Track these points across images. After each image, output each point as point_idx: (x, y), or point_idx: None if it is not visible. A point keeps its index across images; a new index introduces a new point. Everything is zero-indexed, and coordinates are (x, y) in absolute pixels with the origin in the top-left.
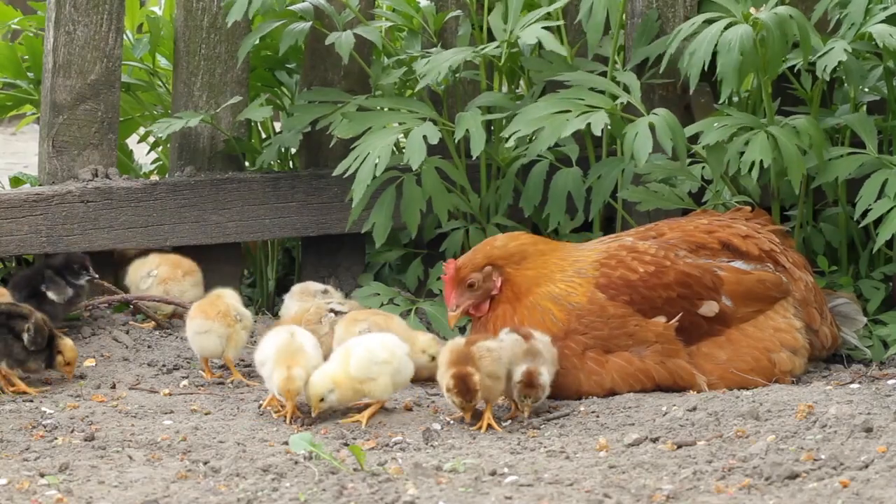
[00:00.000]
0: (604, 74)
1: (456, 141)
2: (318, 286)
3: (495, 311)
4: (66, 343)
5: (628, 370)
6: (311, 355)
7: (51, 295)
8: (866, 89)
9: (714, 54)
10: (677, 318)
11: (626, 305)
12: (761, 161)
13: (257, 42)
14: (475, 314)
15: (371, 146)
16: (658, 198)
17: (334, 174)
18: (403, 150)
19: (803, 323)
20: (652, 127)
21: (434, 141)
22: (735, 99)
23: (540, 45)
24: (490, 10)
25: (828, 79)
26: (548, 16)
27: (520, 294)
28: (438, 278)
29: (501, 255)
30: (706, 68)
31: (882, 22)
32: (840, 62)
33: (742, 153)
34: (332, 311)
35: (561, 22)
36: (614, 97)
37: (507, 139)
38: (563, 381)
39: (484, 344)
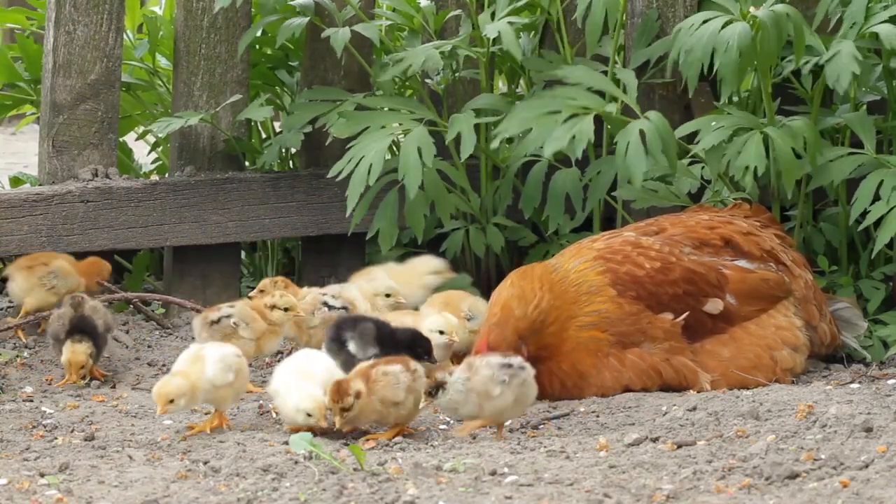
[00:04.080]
0: (604, 73)
1: (450, 142)
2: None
3: (537, 368)
4: (70, 347)
5: (641, 367)
6: (209, 368)
7: (351, 347)
8: (866, 89)
9: (713, 54)
10: (684, 315)
11: (635, 301)
12: (756, 166)
13: (258, 36)
14: None
15: (365, 150)
16: (654, 196)
17: (328, 176)
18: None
19: (803, 321)
20: (643, 134)
21: (429, 155)
22: (735, 98)
23: (541, 43)
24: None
25: (841, 91)
26: (531, 8)
27: (554, 351)
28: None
29: (528, 327)
30: (704, 70)
31: (885, 22)
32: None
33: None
34: (325, 304)
35: (526, 20)
36: (612, 98)
37: (497, 138)
38: (592, 381)
39: (382, 368)
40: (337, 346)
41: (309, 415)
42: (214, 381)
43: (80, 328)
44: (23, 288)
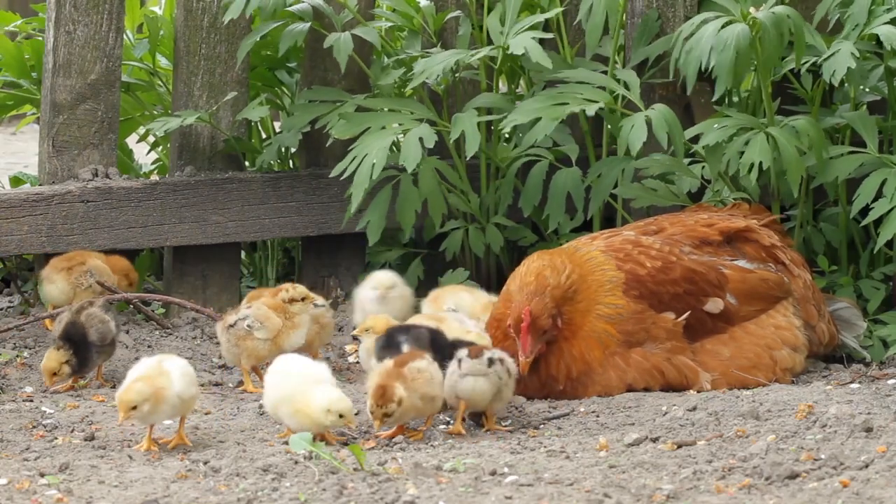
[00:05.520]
0: (604, 74)
1: (452, 141)
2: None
3: (550, 347)
4: (48, 353)
5: (645, 366)
6: (176, 382)
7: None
8: (867, 89)
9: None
10: (686, 315)
11: (638, 300)
12: (760, 162)
13: (257, 40)
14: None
15: (368, 148)
16: (653, 195)
17: (331, 176)
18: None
19: (802, 321)
20: (648, 121)
21: (430, 144)
22: (735, 99)
23: (540, 43)
24: (490, 11)
25: (836, 83)
26: (546, 21)
27: (576, 329)
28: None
29: (562, 296)
30: (703, 68)
31: (887, 23)
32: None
33: (742, 153)
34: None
35: (552, 35)
36: (613, 93)
37: (506, 137)
38: (597, 379)
39: (414, 365)
40: (389, 352)
41: (341, 415)
42: (182, 395)
43: (69, 335)
44: (62, 290)
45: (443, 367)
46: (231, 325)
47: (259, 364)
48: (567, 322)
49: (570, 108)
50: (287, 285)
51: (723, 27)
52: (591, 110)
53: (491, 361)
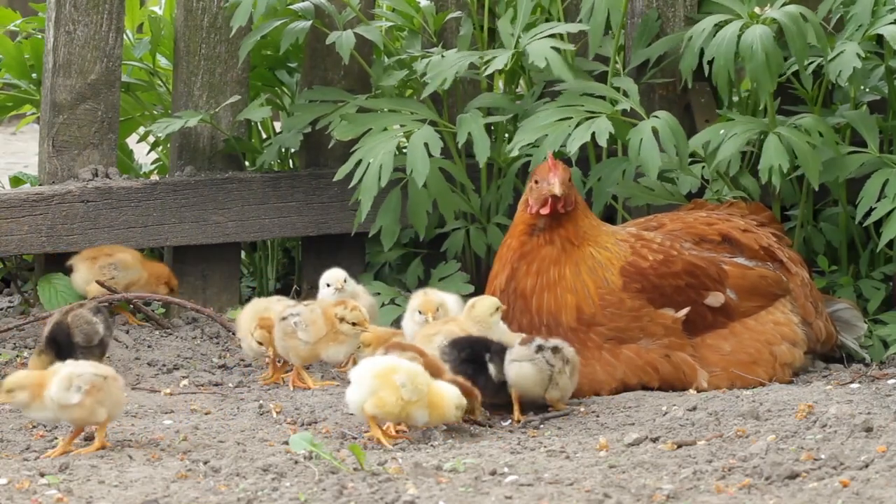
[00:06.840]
0: (604, 74)
1: (461, 144)
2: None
3: (543, 248)
4: (32, 358)
5: (637, 363)
6: (52, 385)
7: (491, 370)
8: (867, 89)
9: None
10: (685, 311)
11: (638, 294)
12: (780, 165)
13: (258, 40)
14: (544, 213)
15: (372, 152)
16: (650, 193)
17: (335, 179)
18: (405, 151)
19: (800, 317)
20: (655, 131)
21: (436, 150)
22: (735, 99)
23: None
24: (490, 11)
25: (843, 84)
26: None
27: (574, 241)
28: (441, 279)
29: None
30: (732, 75)
31: (892, 24)
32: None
33: (744, 153)
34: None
35: (573, 46)
36: (614, 102)
37: (510, 144)
38: (583, 370)
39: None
40: (473, 367)
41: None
42: (59, 401)
43: (54, 336)
44: (85, 280)
45: None
46: (284, 318)
47: (304, 364)
48: (572, 218)
49: (577, 129)
50: (352, 303)
51: (741, 31)
52: (601, 137)
53: (540, 348)
